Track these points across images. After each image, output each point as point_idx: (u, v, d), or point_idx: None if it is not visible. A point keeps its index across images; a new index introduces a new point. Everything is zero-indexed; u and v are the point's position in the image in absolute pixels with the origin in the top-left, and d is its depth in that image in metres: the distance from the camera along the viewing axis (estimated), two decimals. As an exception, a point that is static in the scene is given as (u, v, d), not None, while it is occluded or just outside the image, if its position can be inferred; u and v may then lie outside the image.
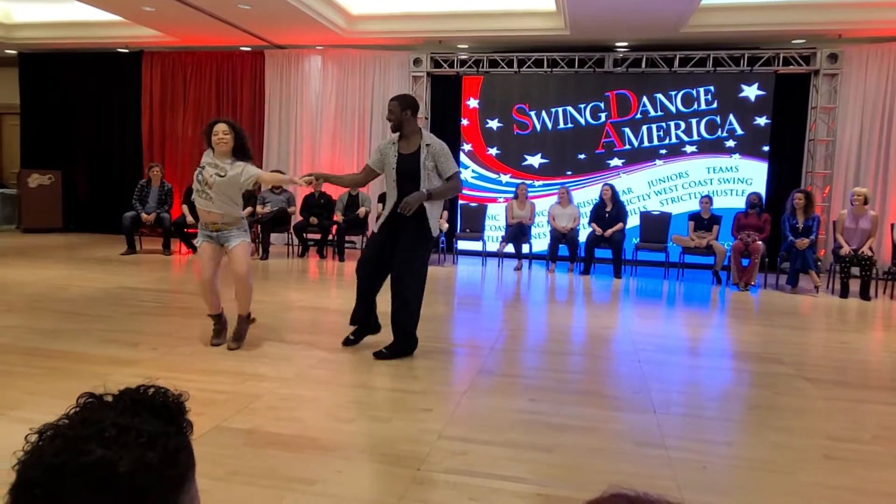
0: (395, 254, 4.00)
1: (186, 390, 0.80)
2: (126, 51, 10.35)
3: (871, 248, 6.97)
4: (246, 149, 4.16)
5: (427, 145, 3.99)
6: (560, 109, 9.11)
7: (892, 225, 7.19)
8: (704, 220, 7.88)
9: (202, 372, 3.63)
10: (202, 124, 10.17)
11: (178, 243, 8.79)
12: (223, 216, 4.08)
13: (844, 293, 6.93)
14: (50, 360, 3.75)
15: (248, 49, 9.96)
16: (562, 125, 9.12)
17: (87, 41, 9.85)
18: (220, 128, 4.08)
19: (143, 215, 8.47)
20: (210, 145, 4.13)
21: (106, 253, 8.36)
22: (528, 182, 8.94)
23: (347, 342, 4.27)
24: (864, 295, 6.84)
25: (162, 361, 3.81)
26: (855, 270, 6.97)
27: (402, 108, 4.01)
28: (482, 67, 9.26)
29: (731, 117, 8.63)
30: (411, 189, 3.93)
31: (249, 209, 8.69)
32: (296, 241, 8.95)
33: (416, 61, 9.35)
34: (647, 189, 8.94)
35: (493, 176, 9.35)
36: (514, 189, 8.72)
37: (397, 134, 4.08)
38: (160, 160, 9.96)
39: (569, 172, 9.13)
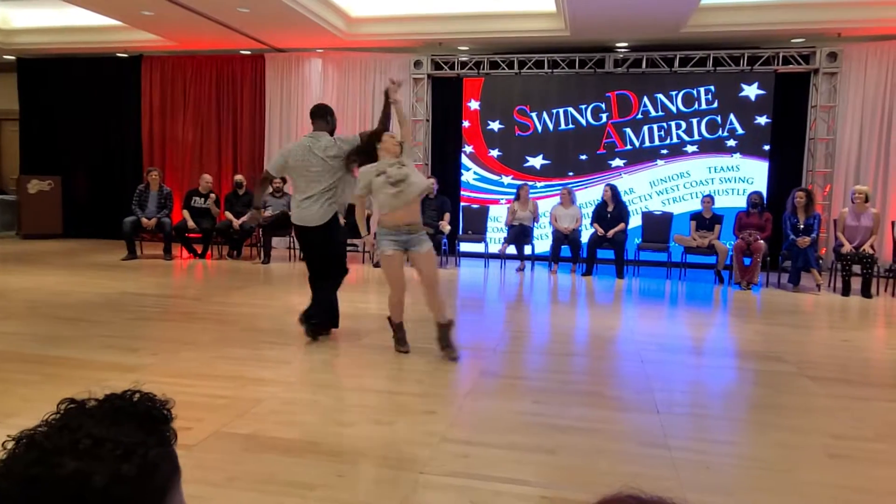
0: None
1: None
2: (125, 55, 10.36)
3: (872, 246, 6.95)
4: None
5: None
6: (561, 110, 9.10)
7: (893, 223, 7.17)
8: (706, 220, 7.86)
9: (203, 377, 3.62)
10: (202, 128, 10.29)
11: (180, 248, 8.79)
12: (416, 213, 4.14)
13: (846, 291, 6.91)
14: (49, 366, 3.74)
15: (248, 52, 9.97)
16: (563, 126, 9.11)
17: (86, 46, 9.86)
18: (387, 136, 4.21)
19: (144, 220, 8.46)
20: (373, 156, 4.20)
21: (106, 258, 8.36)
22: (529, 183, 8.92)
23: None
24: (866, 293, 6.81)
25: (163, 367, 3.80)
26: (856, 268, 6.95)
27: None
28: (483, 69, 9.25)
29: (732, 117, 8.61)
30: None
31: (251, 213, 8.69)
32: (297, 244, 8.93)
33: (417, 63, 9.35)
34: (649, 189, 8.92)
35: (495, 177, 9.34)
36: (515, 190, 8.71)
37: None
38: (160, 165, 9.96)
39: (570, 173, 9.12)
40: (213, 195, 8.86)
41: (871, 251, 6.90)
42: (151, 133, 10.47)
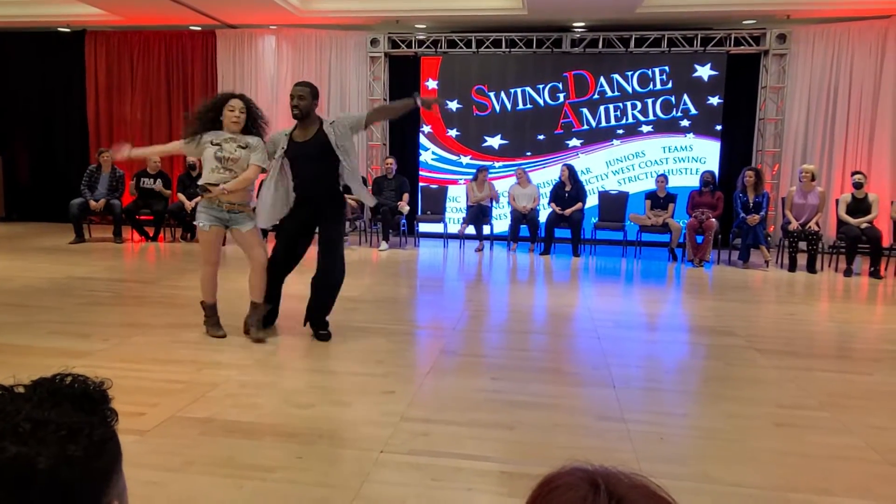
0: (313, 233, 4.08)
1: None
2: (67, 30, 9.90)
3: (817, 224, 7.21)
4: (258, 126, 4.03)
5: (331, 123, 3.96)
6: (519, 90, 9.11)
7: (837, 201, 7.45)
8: (660, 199, 8.02)
9: (157, 361, 3.53)
10: (151, 107, 9.96)
11: (130, 230, 8.53)
12: (241, 195, 3.95)
13: (792, 267, 7.16)
14: (-6, 353, 3.60)
15: (199, 28, 9.63)
16: (521, 106, 9.13)
17: (24, 19, 9.37)
18: (237, 104, 3.90)
19: (91, 202, 8.17)
20: (215, 121, 3.92)
21: (53, 242, 8.05)
22: (488, 163, 8.94)
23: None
24: (811, 268, 7.08)
25: (114, 352, 3.70)
26: (802, 245, 7.21)
27: (314, 97, 3.96)
28: (440, 48, 9.17)
29: (686, 97, 8.76)
30: (312, 172, 3.92)
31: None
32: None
33: (374, 41, 9.20)
34: (605, 169, 9.04)
35: (454, 157, 9.31)
36: (474, 171, 8.71)
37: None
38: (108, 145, 9.56)
39: (528, 153, 9.16)
40: (160, 181, 8.60)
41: (816, 228, 7.16)
42: (98, 112, 10.06)
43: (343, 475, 2.31)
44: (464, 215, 8.67)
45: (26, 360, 3.49)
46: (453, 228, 8.82)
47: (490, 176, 8.76)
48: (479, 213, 8.44)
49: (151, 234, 8.49)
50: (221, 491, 2.18)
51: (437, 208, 8.95)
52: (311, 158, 3.91)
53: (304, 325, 4.15)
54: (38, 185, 10.22)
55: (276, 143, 4.02)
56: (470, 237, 8.66)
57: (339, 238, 4.08)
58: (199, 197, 3.99)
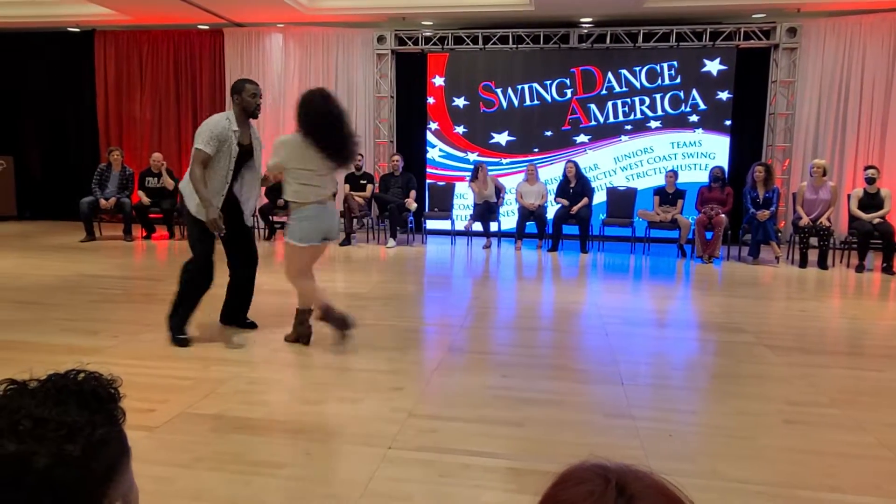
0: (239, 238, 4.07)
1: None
2: (77, 30, 9.96)
3: (828, 219, 7.15)
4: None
5: (257, 138, 4.06)
6: (526, 86, 9.08)
7: (849, 196, 7.38)
8: (669, 195, 7.97)
9: (166, 358, 3.55)
10: (160, 107, 10.02)
11: (140, 229, 8.58)
12: None
13: (803, 263, 7.11)
14: (4, 350, 3.63)
15: (206, 27, 9.66)
16: (528, 102, 9.10)
17: (34, 20, 9.44)
18: None
19: (102, 201, 8.23)
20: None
21: (64, 240, 8.11)
22: (495, 160, 8.93)
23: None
24: (822, 264, 7.02)
25: (124, 349, 3.72)
26: (813, 241, 7.15)
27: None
28: (447, 44, 9.15)
29: (695, 92, 8.70)
30: (246, 177, 3.99)
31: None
32: (262, 223, 8.80)
33: (381, 39, 9.20)
34: (614, 165, 8.99)
35: (461, 154, 9.29)
36: (472, 171, 8.62)
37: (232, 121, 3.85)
38: (118, 143, 9.65)
39: (536, 150, 9.13)
40: (164, 168, 8.62)
41: (827, 224, 7.10)
42: (107, 111, 10.12)
43: (351, 471, 2.32)
44: (471, 212, 8.65)
45: (37, 356, 3.52)
46: (461, 225, 8.81)
47: (498, 173, 8.74)
48: (485, 211, 8.42)
49: (163, 232, 8.53)
50: (230, 487, 2.19)
51: (444, 205, 8.94)
52: (246, 160, 3.95)
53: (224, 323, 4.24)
54: (50, 183, 10.30)
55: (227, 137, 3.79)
56: (477, 234, 8.65)
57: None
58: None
